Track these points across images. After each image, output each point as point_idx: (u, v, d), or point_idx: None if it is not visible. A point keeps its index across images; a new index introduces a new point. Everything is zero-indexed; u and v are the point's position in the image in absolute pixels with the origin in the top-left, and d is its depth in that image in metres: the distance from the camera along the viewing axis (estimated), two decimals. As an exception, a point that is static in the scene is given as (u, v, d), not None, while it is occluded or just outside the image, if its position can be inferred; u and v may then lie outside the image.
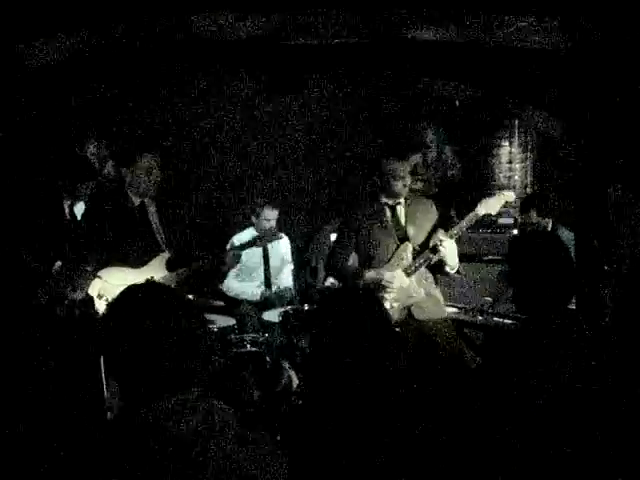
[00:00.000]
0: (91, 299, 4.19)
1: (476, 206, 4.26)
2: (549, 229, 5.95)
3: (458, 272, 4.40)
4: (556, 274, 2.36)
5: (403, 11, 4.99)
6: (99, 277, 4.22)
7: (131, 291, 1.89)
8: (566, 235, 5.67)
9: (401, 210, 4.45)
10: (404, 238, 4.39)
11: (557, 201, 6.34)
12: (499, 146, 8.01)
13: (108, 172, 7.21)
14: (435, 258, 4.29)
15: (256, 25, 5.01)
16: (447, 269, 4.31)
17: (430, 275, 4.46)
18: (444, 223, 4.50)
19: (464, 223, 4.25)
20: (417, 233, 4.40)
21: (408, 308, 4.32)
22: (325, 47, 5.46)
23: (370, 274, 4.37)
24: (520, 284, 2.43)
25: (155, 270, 4.33)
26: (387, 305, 4.27)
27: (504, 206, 4.42)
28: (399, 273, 4.31)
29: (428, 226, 4.43)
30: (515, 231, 6.28)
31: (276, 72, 6.62)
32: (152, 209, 4.49)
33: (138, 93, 7.13)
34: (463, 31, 5.14)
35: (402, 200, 4.45)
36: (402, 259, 4.34)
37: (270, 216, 6.05)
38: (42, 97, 5.81)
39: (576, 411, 2.11)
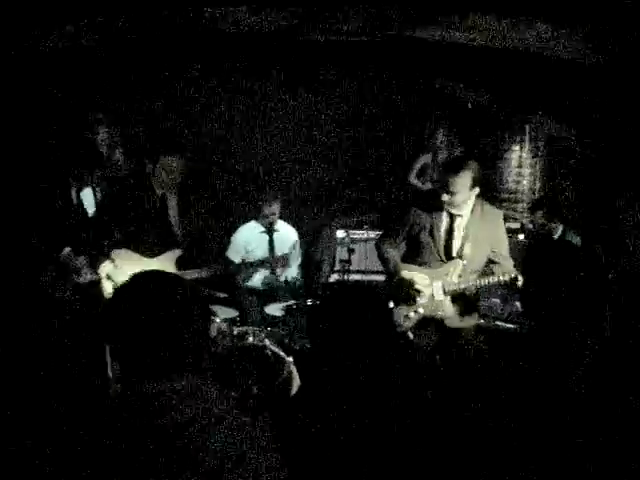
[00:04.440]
0: (98, 281, 4.25)
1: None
2: (557, 234, 5.94)
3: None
4: (566, 280, 2.36)
5: (418, 11, 5.00)
6: (111, 259, 4.29)
7: (139, 277, 1.93)
8: (574, 241, 5.66)
9: (461, 223, 4.18)
10: (454, 254, 4.18)
11: (565, 207, 6.33)
12: (509, 150, 7.99)
13: (117, 159, 7.22)
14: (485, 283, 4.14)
15: (271, 20, 5.03)
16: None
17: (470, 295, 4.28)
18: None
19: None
20: (473, 255, 4.15)
21: (433, 317, 4.21)
22: (339, 44, 5.48)
23: (408, 273, 4.21)
24: (529, 289, 2.43)
25: (165, 264, 4.39)
26: (412, 308, 4.21)
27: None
28: (437, 286, 4.18)
29: (487, 248, 4.19)
30: (522, 236, 6.28)
31: (290, 68, 6.64)
32: (173, 202, 4.56)
33: (152, 82, 7.16)
34: (480, 34, 5.14)
35: (465, 213, 4.17)
36: (447, 275, 4.17)
37: (271, 211, 6.08)
38: (54, 81, 5.84)
39: (576, 417, 2.11)
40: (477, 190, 4.13)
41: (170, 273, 2.07)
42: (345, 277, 5.88)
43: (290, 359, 4.52)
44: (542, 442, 2.12)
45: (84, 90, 6.53)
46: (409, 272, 4.23)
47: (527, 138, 7.76)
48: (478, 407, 2.32)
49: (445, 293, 4.18)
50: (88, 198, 5.63)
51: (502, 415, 2.24)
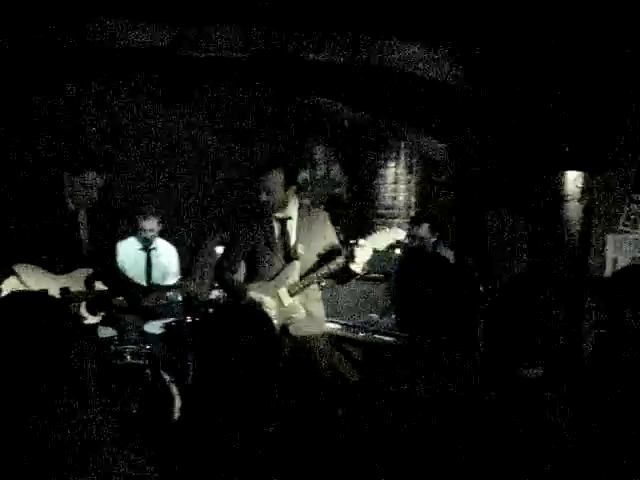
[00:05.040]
0: None
1: (364, 238, 4.18)
2: (430, 247, 6.13)
3: (363, 269, 4.19)
4: (439, 294, 2.44)
5: (294, 32, 5.09)
6: (16, 275, 4.01)
7: (11, 298, 1.89)
8: (446, 254, 5.86)
9: (292, 226, 4.32)
10: (292, 257, 4.28)
11: (439, 221, 6.55)
12: (385, 167, 8.17)
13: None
14: (330, 270, 4.22)
15: (148, 35, 4.99)
16: (357, 270, 4.18)
17: (315, 291, 4.41)
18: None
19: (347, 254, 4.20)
20: (307, 251, 4.28)
21: (284, 325, 4.25)
22: (215, 60, 5.49)
23: (252, 293, 4.26)
24: (403, 302, 2.50)
25: (73, 282, 4.15)
26: None
27: (392, 244, 4.36)
28: (282, 292, 4.24)
29: (320, 244, 4.32)
30: (398, 250, 6.43)
31: (167, 82, 6.60)
32: (84, 220, 4.35)
33: (27, 95, 6.97)
34: (351, 53, 5.27)
35: (293, 214, 4.32)
36: (287, 278, 4.25)
37: (148, 226, 6.02)
38: None
39: (450, 429, 2.19)
40: (294, 188, 4.31)
41: (41, 293, 2.02)
42: (225, 293, 5.85)
43: (170, 378, 4.47)
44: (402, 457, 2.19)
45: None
46: (254, 292, 4.29)
47: (402, 155, 7.98)
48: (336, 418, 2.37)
49: (291, 295, 4.26)
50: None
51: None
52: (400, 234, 4.32)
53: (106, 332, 5.06)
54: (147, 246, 6.13)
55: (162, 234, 6.26)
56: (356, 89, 6.47)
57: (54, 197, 4.27)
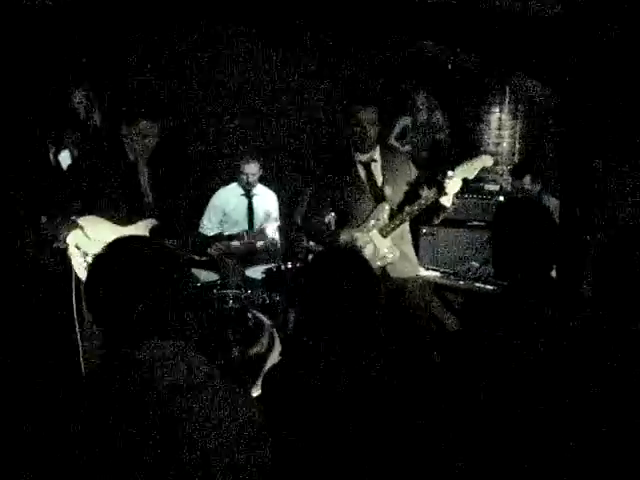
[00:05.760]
0: (65, 249, 4.09)
1: (452, 169, 4.12)
2: (535, 195, 5.98)
3: (453, 203, 4.20)
4: (539, 242, 2.37)
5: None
6: (80, 227, 4.07)
7: (120, 242, 1.93)
8: (550, 202, 5.70)
9: (376, 168, 4.32)
10: (381, 198, 4.29)
11: (545, 169, 6.37)
12: (489, 112, 7.99)
13: (95, 122, 7.16)
14: (418, 209, 4.17)
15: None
16: (447, 204, 4.16)
17: (407, 233, 4.42)
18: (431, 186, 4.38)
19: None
20: (395, 193, 4.29)
21: (382, 267, 4.26)
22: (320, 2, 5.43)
23: (344, 236, 4.30)
24: (503, 250, 2.45)
25: (139, 233, 4.12)
26: None
27: (481, 171, 4.27)
28: (375, 234, 4.26)
29: (405, 185, 4.32)
30: (501, 198, 6.31)
31: (267, 25, 6.58)
32: (144, 169, 4.37)
33: (127, 42, 7.06)
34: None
35: (376, 157, 4.32)
36: (378, 220, 4.26)
37: (250, 170, 6.05)
38: (31, 41, 5.73)
39: (550, 380, 2.14)
40: (378, 129, 4.30)
41: (150, 238, 2.05)
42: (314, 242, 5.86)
43: (270, 322, 4.53)
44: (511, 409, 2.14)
45: (61, 51, 6.43)
46: (345, 234, 4.31)
47: (507, 100, 7.76)
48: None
49: (384, 237, 4.26)
50: (66, 161, 5.57)
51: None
52: (489, 161, 4.25)
53: (209, 277, 5.18)
54: (249, 191, 6.19)
55: (261, 180, 6.30)
56: (460, 31, 6.28)
57: (114, 148, 4.29)
